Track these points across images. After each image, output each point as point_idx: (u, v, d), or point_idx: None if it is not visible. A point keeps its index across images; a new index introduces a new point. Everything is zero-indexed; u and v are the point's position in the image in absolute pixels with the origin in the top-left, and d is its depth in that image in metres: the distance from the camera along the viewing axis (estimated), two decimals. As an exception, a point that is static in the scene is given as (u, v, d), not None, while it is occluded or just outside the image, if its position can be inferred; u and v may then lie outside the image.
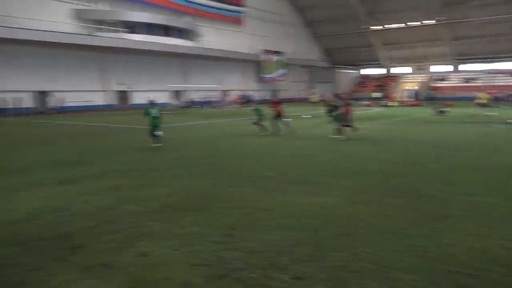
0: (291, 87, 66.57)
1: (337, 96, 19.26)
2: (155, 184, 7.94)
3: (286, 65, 63.44)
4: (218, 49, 51.83)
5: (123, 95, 46.30)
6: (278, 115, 17.02)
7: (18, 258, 4.49)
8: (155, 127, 13.96)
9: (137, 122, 21.56)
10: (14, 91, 37.00)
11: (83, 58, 41.67)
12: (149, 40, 44.13)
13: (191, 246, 4.77)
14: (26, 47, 36.94)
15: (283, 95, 65.46)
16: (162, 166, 9.91)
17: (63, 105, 39.51)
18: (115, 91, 44.80)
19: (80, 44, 38.87)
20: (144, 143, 14.39)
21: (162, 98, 48.43)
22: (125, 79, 45.67)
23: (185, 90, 51.64)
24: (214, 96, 51.21)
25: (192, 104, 49.31)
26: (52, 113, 37.57)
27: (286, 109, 19.85)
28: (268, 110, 18.32)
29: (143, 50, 44.30)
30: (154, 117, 13.97)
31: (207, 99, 50.95)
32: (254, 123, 17.09)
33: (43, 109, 39.43)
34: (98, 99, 43.71)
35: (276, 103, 17.50)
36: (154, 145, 13.64)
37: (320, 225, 5.38)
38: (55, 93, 39.87)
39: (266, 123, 17.14)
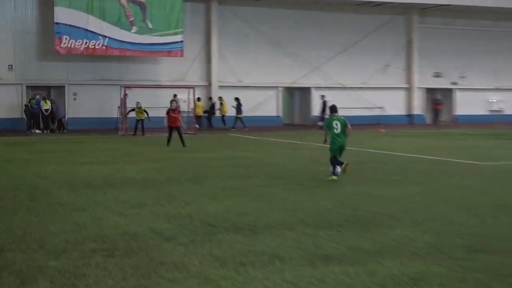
0: None
1: None
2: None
3: None
4: None
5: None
6: None
7: None
8: (339, 150, 13.78)
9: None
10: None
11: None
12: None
13: None
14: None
15: None
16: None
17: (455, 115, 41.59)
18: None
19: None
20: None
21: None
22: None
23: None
24: None
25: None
26: (443, 125, 39.68)
27: None
28: None
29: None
30: (338, 135, 13.72)
31: None
32: None
33: (432, 120, 42.34)
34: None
35: None
36: (331, 178, 13.58)
37: None
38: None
39: None
